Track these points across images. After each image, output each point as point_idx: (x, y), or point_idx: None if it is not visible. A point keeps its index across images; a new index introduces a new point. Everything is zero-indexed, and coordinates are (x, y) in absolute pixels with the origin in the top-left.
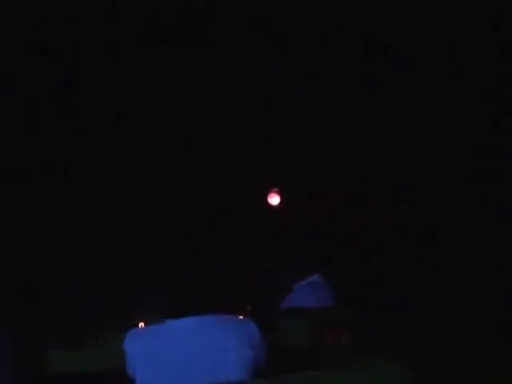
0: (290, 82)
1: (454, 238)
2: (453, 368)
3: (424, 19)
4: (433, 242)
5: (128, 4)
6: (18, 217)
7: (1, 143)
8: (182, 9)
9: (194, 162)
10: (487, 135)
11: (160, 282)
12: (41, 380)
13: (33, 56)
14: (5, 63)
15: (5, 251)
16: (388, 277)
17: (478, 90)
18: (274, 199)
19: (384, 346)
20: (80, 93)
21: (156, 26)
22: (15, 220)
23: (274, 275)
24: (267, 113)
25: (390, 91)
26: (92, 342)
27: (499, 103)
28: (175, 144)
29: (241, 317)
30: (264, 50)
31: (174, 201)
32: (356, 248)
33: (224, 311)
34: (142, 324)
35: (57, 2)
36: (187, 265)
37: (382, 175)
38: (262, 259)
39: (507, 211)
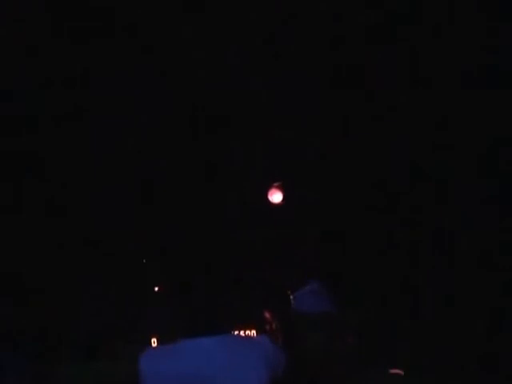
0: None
1: (452, 237)
2: (453, 370)
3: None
4: (433, 244)
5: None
6: (28, 223)
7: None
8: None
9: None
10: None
11: (176, 300)
12: None
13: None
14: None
15: (17, 265)
16: (390, 281)
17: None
18: (276, 196)
19: (386, 351)
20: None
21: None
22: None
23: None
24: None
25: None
26: (106, 355)
27: None
28: (175, 143)
29: (254, 332)
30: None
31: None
32: (357, 251)
33: (239, 328)
34: (154, 340)
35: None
36: (201, 283)
37: (383, 174)
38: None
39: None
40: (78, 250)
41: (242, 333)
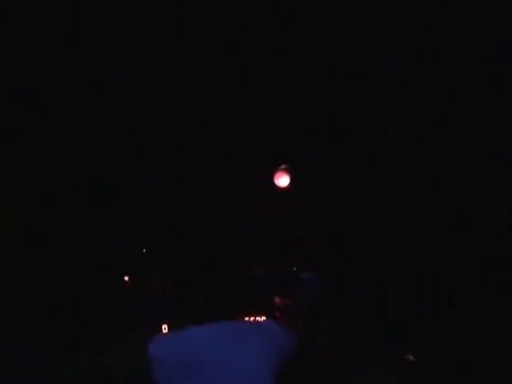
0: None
1: (444, 237)
2: (453, 370)
3: None
4: (433, 244)
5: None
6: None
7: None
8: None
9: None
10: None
11: (185, 287)
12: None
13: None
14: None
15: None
16: (391, 280)
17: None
18: (283, 179)
19: (385, 351)
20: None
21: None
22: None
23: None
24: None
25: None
26: (118, 343)
27: None
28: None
29: (263, 318)
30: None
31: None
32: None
33: (248, 314)
34: (165, 326)
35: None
36: (208, 272)
37: (383, 174)
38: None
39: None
40: (80, 251)
41: (251, 319)
